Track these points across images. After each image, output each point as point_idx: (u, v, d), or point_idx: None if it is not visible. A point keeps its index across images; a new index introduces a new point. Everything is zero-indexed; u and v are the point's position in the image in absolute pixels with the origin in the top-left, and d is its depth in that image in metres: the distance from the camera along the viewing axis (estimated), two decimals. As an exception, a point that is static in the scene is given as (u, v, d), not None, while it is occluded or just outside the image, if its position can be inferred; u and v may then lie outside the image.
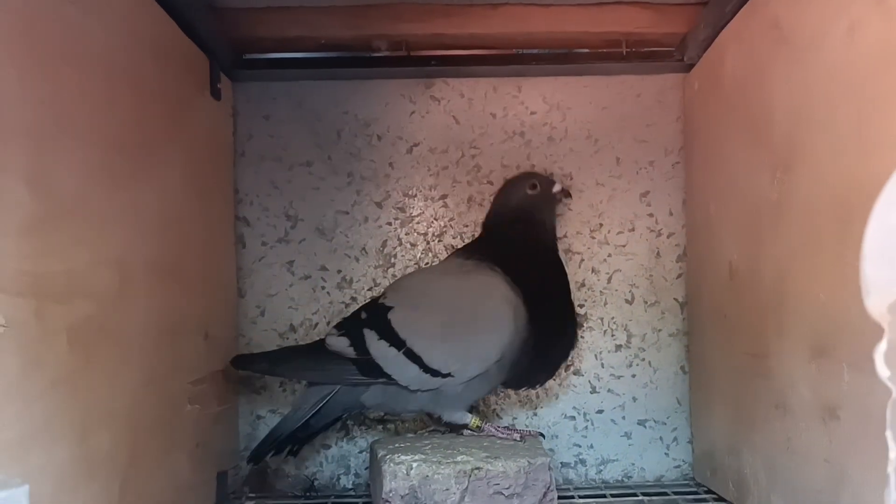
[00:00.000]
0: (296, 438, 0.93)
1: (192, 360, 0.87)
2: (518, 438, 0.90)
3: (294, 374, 0.94)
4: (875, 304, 0.33)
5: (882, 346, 0.32)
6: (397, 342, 0.87)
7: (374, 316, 0.90)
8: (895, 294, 0.31)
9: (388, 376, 0.87)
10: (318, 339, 0.97)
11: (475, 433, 0.91)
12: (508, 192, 1.00)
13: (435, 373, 0.87)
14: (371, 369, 0.87)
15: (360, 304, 1.00)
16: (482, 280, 0.91)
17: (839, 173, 0.62)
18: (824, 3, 0.65)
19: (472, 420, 0.91)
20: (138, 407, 0.72)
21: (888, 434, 0.33)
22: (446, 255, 1.06)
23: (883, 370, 0.32)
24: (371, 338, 0.88)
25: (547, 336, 0.91)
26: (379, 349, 0.87)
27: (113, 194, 0.68)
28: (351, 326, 0.91)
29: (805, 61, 0.69)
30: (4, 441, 0.51)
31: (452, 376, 0.87)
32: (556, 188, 0.99)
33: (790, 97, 0.72)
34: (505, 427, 0.93)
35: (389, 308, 0.90)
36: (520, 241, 0.96)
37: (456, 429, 0.92)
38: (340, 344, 0.89)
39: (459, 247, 1.03)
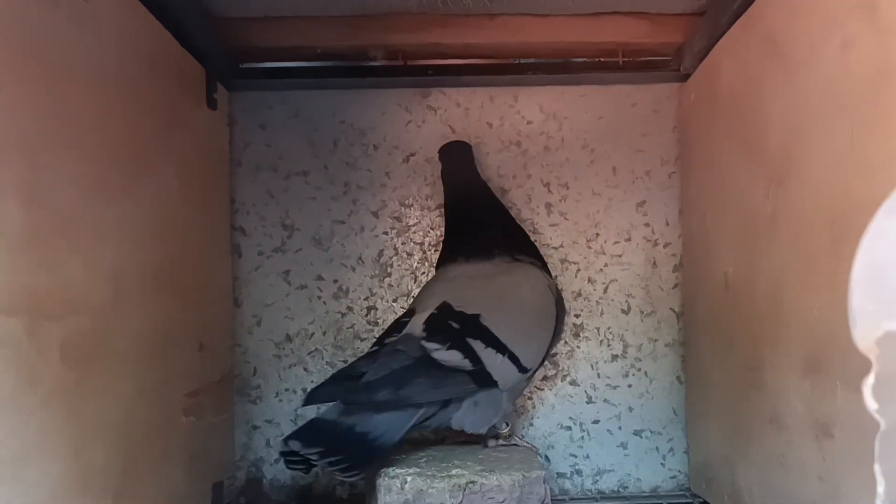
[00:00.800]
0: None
1: (187, 371, 0.87)
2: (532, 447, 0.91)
3: (423, 397, 0.80)
4: (862, 337, 0.33)
5: (870, 379, 0.32)
6: (500, 347, 0.85)
7: (467, 325, 0.85)
8: (882, 327, 0.31)
9: (496, 383, 0.85)
10: (371, 351, 0.86)
11: (503, 443, 0.91)
12: (450, 159, 1.03)
13: (524, 370, 0.87)
14: (482, 378, 0.84)
15: (397, 318, 0.91)
16: (533, 274, 0.94)
17: (833, 188, 0.62)
18: (818, 18, 0.65)
19: (506, 429, 0.92)
20: (132, 419, 0.72)
21: (877, 468, 0.33)
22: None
23: (871, 402, 0.32)
24: (479, 347, 0.84)
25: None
26: (488, 357, 0.84)
27: (107, 207, 0.68)
28: (450, 338, 0.84)
29: (799, 75, 0.69)
30: (1, 458, 0.51)
31: (529, 371, 0.89)
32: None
33: (785, 111, 0.72)
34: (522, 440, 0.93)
35: (477, 315, 0.86)
36: (503, 215, 0.99)
37: (485, 439, 0.92)
38: (454, 358, 0.82)
39: (447, 239, 1.02)
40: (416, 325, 0.85)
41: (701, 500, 0.98)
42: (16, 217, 0.54)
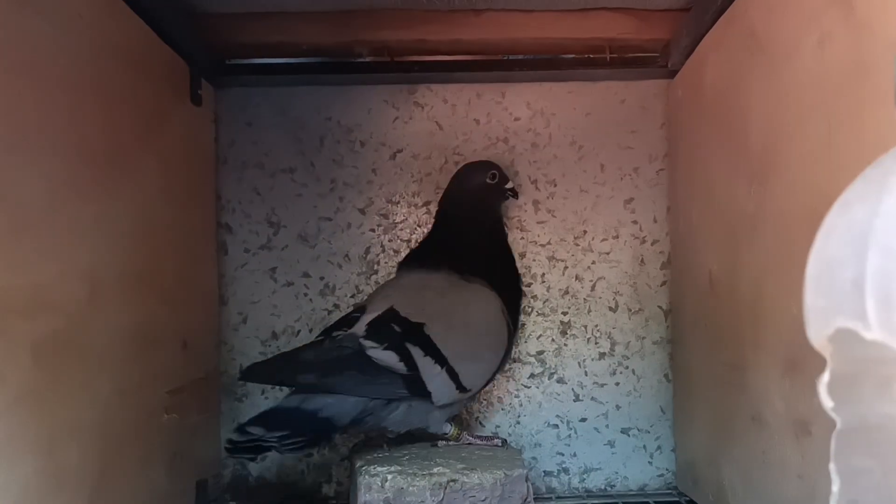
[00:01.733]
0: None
1: (169, 369, 0.87)
2: (499, 444, 0.90)
3: (346, 389, 0.82)
4: (816, 335, 0.32)
5: (825, 377, 0.32)
6: (441, 360, 0.86)
7: (410, 331, 0.86)
8: (834, 325, 0.30)
9: (429, 394, 0.85)
10: (317, 340, 0.89)
11: (452, 443, 0.90)
12: (468, 176, 1.00)
13: (464, 390, 0.88)
14: (415, 386, 0.84)
15: (347, 312, 0.94)
16: (484, 296, 0.94)
17: (810, 186, 0.62)
18: (797, 14, 0.64)
19: (452, 430, 0.90)
20: (110, 418, 0.72)
21: (832, 466, 0.32)
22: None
23: (827, 401, 0.32)
24: (417, 354, 0.85)
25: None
26: (425, 366, 0.84)
27: (82, 205, 0.68)
28: (388, 339, 0.85)
29: (779, 72, 0.68)
30: (-39, 459, 0.51)
31: (470, 391, 0.89)
32: (510, 185, 1.00)
33: (765, 107, 0.71)
34: (481, 436, 0.93)
35: (422, 325, 0.87)
36: (484, 238, 0.98)
37: (433, 439, 0.91)
38: (390, 359, 0.83)
39: (418, 244, 1.02)
40: (361, 325, 0.86)
41: (688, 498, 0.98)
42: (-16, 215, 0.54)
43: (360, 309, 0.90)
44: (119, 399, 0.74)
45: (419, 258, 0.98)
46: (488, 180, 0.99)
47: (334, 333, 0.87)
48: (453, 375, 0.86)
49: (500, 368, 0.94)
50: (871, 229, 0.30)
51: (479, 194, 0.98)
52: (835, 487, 0.32)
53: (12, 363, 0.57)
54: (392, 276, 1.04)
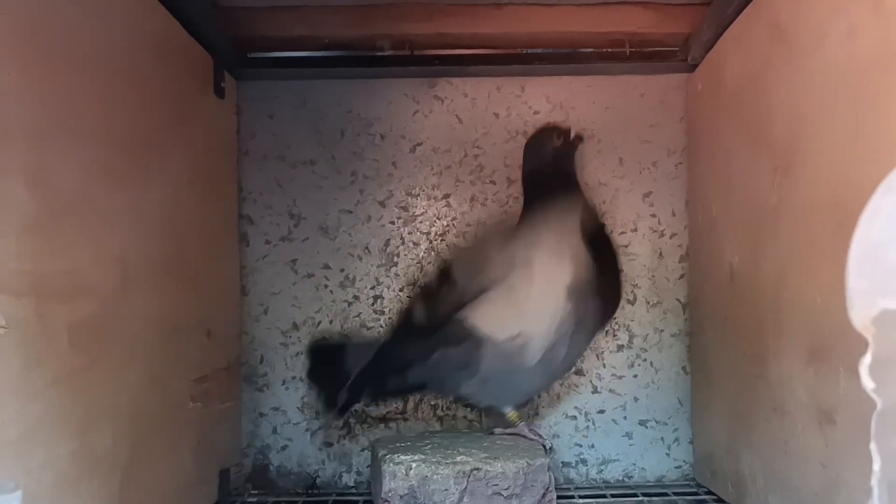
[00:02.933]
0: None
1: (194, 357, 0.88)
2: (547, 446, 0.91)
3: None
4: (859, 316, 0.33)
5: (867, 359, 0.33)
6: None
7: None
8: (878, 305, 0.31)
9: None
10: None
11: (508, 429, 0.93)
12: (538, 148, 1.01)
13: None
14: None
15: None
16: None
17: (836, 176, 0.62)
18: (824, 6, 0.65)
19: (512, 413, 0.93)
20: (140, 404, 0.73)
21: (872, 446, 0.33)
22: (446, 255, 1.06)
23: (868, 382, 0.33)
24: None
25: None
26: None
27: (115, 193, 0.69)
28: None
29: (804, 63, 0.69)
30: (5, 438, 0.52)
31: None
32: (573, 134, 1.01)
33: (790, 99, 0.72)
34: (534, 431, 0.94)
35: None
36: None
37: (497, 417, 0.95)
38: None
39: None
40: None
41: (706, 489, 0.98)
42: (23, 201, 0.55)
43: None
44: (148, 385, 0.75)
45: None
46: (556, 141, 1.00)
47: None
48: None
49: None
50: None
51: (556, 161, 1.00)
52: (875, 466, 0.33)
53: (50, 346, 0.58)
54: (411, 268, 1.05)
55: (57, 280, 0.59)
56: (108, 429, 0.66)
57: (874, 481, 0.33)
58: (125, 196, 0.71)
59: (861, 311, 0.33)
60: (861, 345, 0.34)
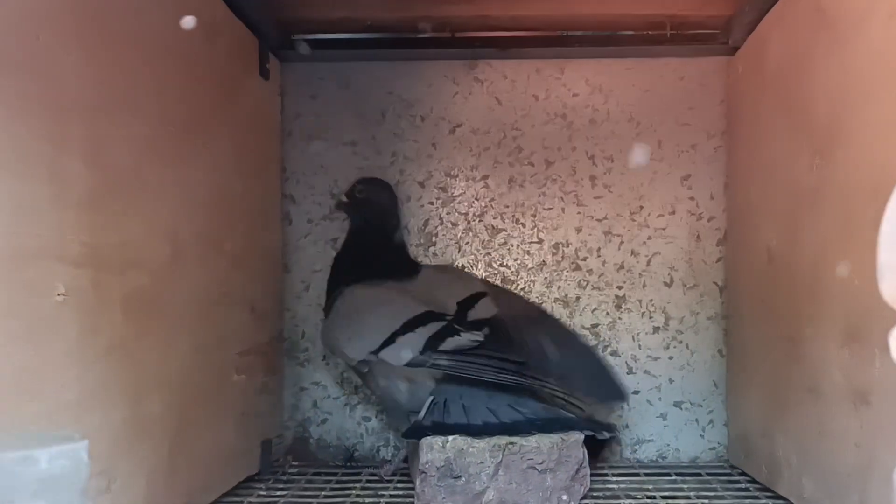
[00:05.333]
0: None
1: (239, 331, 0.90)
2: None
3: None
4: (890, 289, 0.34)
5: None
6: None
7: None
8: (908, 278, 0.32)
9: None
10: None
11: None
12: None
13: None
14: None
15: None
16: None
17: (875, 159, 0.62)
18: (867, -12, 0.65)
19: None
20: (188, 375, 0.76)
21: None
22: (487, 235, 1.08)
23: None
24: None
25: None
26: None
27: (165, 170, 0.71)
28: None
29: (847, 46, 0.68)
30: (65, 402, 0.55)
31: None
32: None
33: (830, 82, 0.72)
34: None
35: None
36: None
37: None
38: None
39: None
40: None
41: (739, 470, 0.99)
42: (82, 176, 0.58)
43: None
44: (195, 357, 0.77)
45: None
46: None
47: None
48: None
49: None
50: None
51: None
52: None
53: (105, 315, 0.61)
54: (450, 248, 1.07)
55: (111, 252, 0.62)
56: (157, 397, 0.69)
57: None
58: (174, 173, 0.73)
59: (892, 284, 0.33)
60: (891, 318, 0.34)
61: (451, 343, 0.89)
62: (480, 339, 0.90)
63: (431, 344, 0.89)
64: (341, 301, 0.98)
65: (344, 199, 1.04)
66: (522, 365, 0.87)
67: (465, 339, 0.90)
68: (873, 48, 0.64)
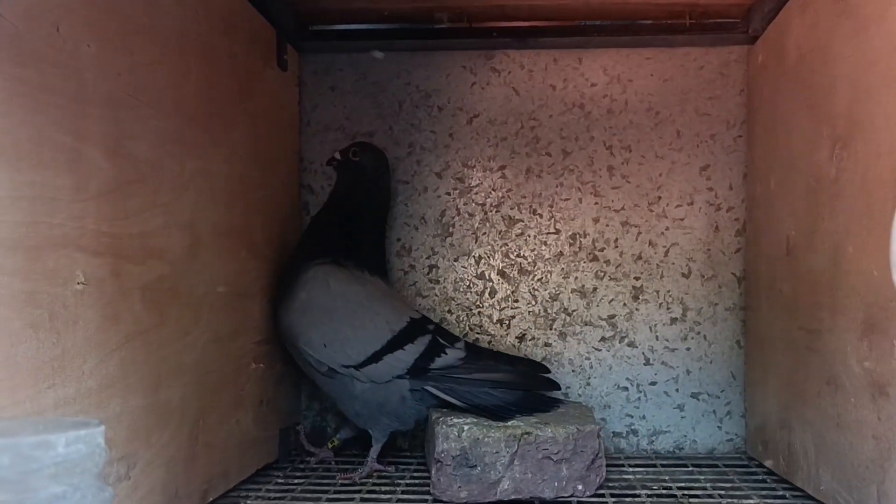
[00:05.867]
0: None
1: (257, 320, 0.91)
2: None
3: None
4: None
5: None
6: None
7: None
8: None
9: None
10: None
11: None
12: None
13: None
14: None
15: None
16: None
17: (896, 149, 0.62)
18: (888, -24, 0.64)
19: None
20: (206, 363, 0.77)
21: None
22: (503, 225, 1.08)
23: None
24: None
25: None
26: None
27: (184, 161, 0.72)
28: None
29: (868, 36, 0.68)
30: (86, 388, 0.56)
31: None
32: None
33: (853, 72, 0.71)
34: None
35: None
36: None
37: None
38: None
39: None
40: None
41: (756, 462, 0.98)
42: (102, 167, 0.58)
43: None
44: (214, 346, 0.78)
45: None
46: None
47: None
48: None
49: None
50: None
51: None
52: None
53: (125, 304, 0.61)
54: (467, 238, 1.07)
55: (131, 242, 0.62)
56: (177, 385, 0.70)
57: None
58: (193, 165, 0.74)
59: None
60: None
61: (439, 363, 0.92)
62: (464, 354, 0.93)
63: (420, 363, 0.91)
64: (314, 284, 0.93)
65: (337, 156, 1.02)
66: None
67: (452, 357, 0.92)
68: (894, 38, 0.63)
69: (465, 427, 0.81)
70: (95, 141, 0.58)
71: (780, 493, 0.85)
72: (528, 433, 0.81)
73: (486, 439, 0.81)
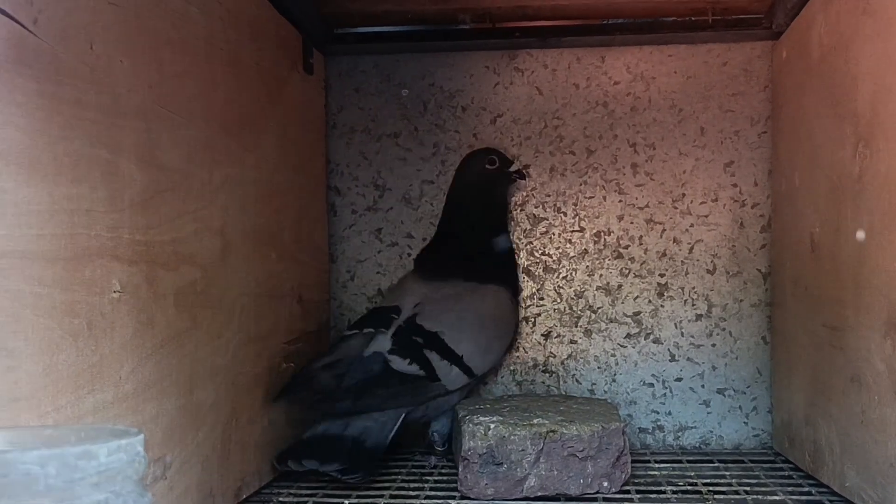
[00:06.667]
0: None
1: (287, 321, 0.93)
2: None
3: (385, 405, 0.90)
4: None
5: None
6: (455, 359, 0.95)
7: (429, 340, 0.95)
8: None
9: (446, 388, 0.94)
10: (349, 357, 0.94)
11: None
12: (466, 167, 1.06)
13: (473, 376, 0.98)
14: (434, 380, 0.93)
15: (376, 307, 1.05)
16: (495, 296, 1.04)
17: (918, 149, 0.62)
18: (909, -25, 0.64)
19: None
20: (239, 364, 0.79)
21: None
22: (528, 224, 1.09)
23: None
24: (434, 359, 0.94)
25: None
26: (441, 367, 0.94)
27: (214, 168, 0.74)
28: (411, 352, 0.93)
29: (890, 35, 0.68)
30: (123, 393, 0.58)
31: (477, 376, 1.00)
32: (514, 167, 1.06)
33: (876, 68, 0.71)
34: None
35: (438, 332, 0.95)
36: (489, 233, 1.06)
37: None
38: (413, 369, 0.92)
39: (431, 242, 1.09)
40: (385, 341, 0.94)
41: (783, 458, 0.99)
42: (135, 177, 0.60)
43: (395, 310, 0.98)
44: (246, 347, 0.80)
45: (434, 266, 1.05)
46: (487, 166, 1.05)
47: (365, 330, 0.96)
48: (466, 369, 0.95)
49: (508, 351, 1.08)
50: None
51: (480, 183, 1.05)
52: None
53: (159, 309, 0.63)
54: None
55: (164, 249, 0.64)
56: (210, 386, 0.72)
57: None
58: (223, 172, 0.76)
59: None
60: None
61: None
62: None
63: None
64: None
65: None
66: None
67: None
68: (916, 36, 0.63)
69: (492, 425, 0.83)
70: (128, 153, 0.59)
71: (806, 489, 0.85)
72: (553, 431, 0.82)
73: (512, 437, 0.82)
